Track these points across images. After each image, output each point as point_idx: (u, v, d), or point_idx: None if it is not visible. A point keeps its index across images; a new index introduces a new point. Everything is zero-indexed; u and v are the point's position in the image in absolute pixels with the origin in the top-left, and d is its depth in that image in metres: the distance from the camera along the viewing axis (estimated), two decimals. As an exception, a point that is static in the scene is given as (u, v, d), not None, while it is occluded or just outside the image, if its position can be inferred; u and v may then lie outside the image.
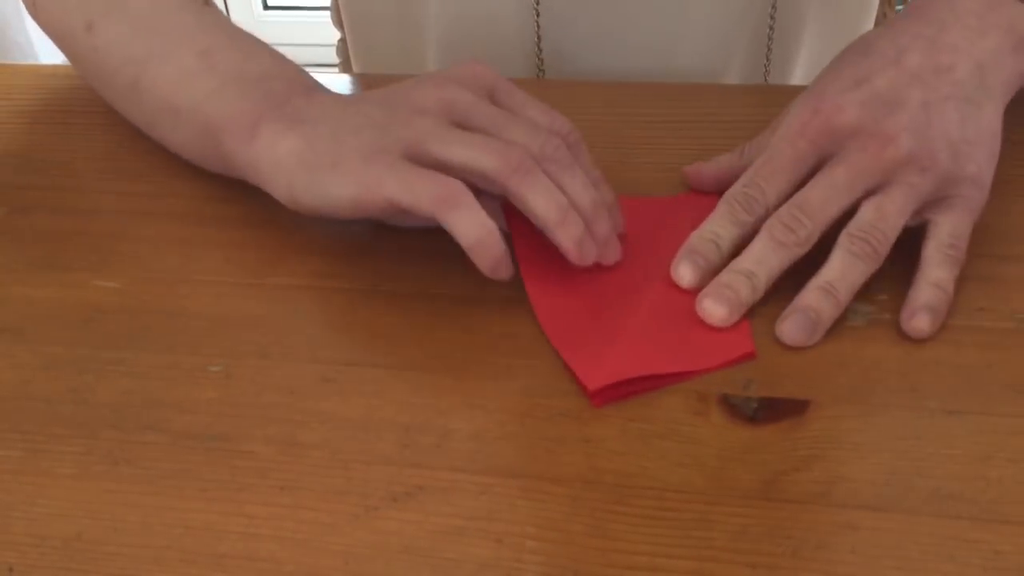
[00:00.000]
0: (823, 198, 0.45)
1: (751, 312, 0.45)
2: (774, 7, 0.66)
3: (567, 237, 0.44)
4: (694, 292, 0.46)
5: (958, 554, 0.36)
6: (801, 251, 0.45)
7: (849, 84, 0.47)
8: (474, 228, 0.43)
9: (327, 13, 0.89)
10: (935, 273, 0.45)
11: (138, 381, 0.44)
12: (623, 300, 0.46)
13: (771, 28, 0.67)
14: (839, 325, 0.45)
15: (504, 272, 0.44)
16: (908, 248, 0.48)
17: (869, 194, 0.46)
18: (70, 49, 0.59)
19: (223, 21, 0.54)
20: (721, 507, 0.38)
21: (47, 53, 1.52)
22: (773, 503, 0.38)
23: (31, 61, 1.45)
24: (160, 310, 0.48)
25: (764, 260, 0.45)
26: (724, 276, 0.45)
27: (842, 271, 0.45)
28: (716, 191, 0.51)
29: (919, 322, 0.44)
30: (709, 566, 0.36)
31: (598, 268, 0.47)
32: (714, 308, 0.45)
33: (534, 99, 0.49)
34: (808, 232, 0.45)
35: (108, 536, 0.38)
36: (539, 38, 0.67)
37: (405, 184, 0.43)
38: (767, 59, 0.69)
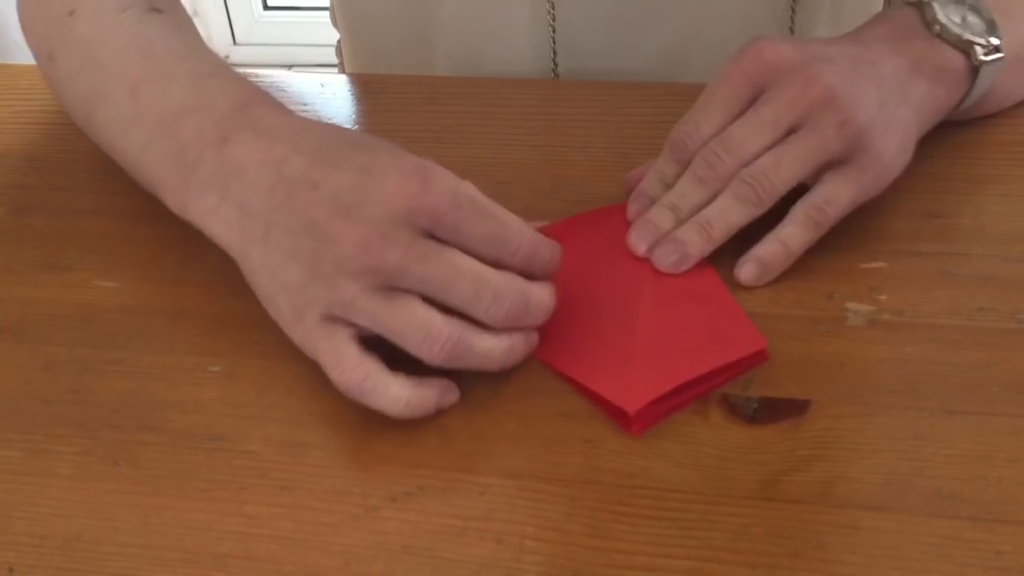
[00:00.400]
0: (745, 135, 0.47)
1: (751, 313, 0.46)
2: (792, 20, 0.66)
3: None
4: (681, 299, 0.46)
5: (958, 554, 0.36)
6: (720, 186, 0.47)
7: (785, 39, 0.49)
8: (390, 408, 0.41)
9: (327, 13, 0.89)
10: (788, 229, 0.47)
11: (138, 381, 0.44)
12: (613, 320, 0.45)
13: (791, 31, 0.67)
14: (839, 325, 0.45)
15: (446, 405, 0.42)
16: (908, 249, 0.48)
17: (792, 131, 0.47)
18: (44, 75, 0.58)
19: (158, 33, 0.51)
20: (721, 507, 0.38)
21: (47, 53, 1.52)
22: (773, 503, 0.38)
23: (31, 61, 1.45)
24: (160, 310, 0.48)
25: (686, 194, 0.48)
26: (651, 211, 0.48)
27: (722, 211, 0.47)
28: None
29: (744, 272, 0.47)
30: (709, 566, 0.36)
31: (580, 294, 0.46)
32: (636, 242, 0.48)
33: (482, 219, 0.41)
34: (727, 168, 0.46)
35: (108, 536, 0.38)
36: (555, 53, 0.67)
37: (326, 359, 0.41)
38: None
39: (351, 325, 0.41)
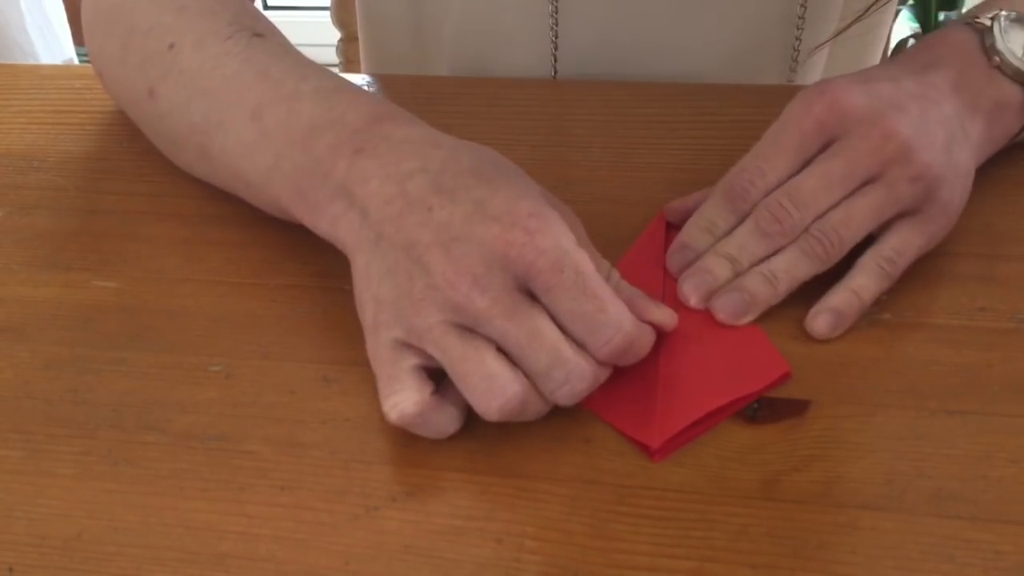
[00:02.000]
0: (816, 188, 0.45)
1: (766, 324, 0.46)
2: (802, 19, 0.66)
3: None
4: (703, 327, 0.45)
5: (958, 554, 0.36)
6: (784, 241, 0.45)
7: (853, 82, 0.47)
8: (431, 436, 0.41)
9: (327, 13, 0.90)
10: (859, 279, 0.45)
11: (138, 381, 0.44)
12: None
13: (798, 38, 0.67)
14: (839, 325, 0.45)
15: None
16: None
17: (858, 188, 0.45)
18: (137, 116, 0.57)
19: (269, 56, 0.50)
20: (721, 507, 0.38)
21: (47, 53, 1.52)
22: (773, 503, 0.38)
23: (31, 61, 1.45)
24: (160, 310, 0.48)
25: (747, 246, 0.45)
26: (706, 259, 0.46)
27: (787, 264, 0.45)
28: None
29: (819, 323, 0.45)
30: (709, 566, 0.36)
31: None
32: (689, 292, 0.45)
33: (580, 295, 0.39)
34: (794, 223, 0.45)
35: (108, 536, 0.38)
36: (555, 60, 0.67)
37: (383, 385, 0.40)
38: (792, 72, 0.68)
39: (420, 354, 0.40)
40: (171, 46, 0.51)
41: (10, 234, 0.53)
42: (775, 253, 0.45)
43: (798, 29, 0.66)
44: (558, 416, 0.41)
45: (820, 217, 0.45)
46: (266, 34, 0.52)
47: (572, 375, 0.39)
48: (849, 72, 0.49)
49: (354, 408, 0.43)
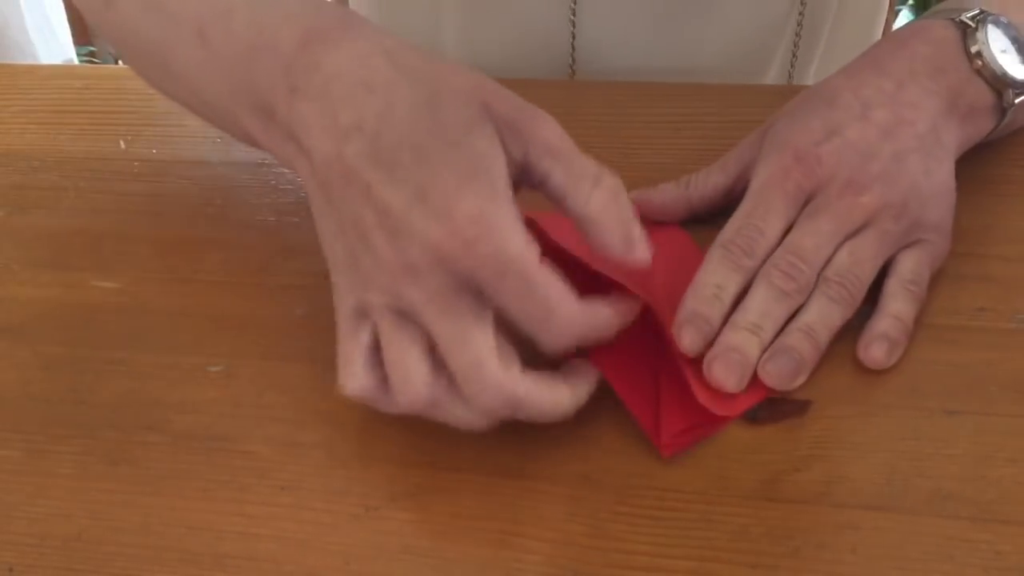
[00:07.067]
0: (815, 245, 0.45)
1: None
2: (802, 10, 0.66)
3: None
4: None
5: (958, 554, 0.36)
6: (801, 298, 0.44)
7: (820, 136, 0.47)
8: (392, 410, 0.40)
9: (327, 13, 0.89)
10: (894, 305, 0.45)
11: (138, 381, 0.44)
12: (661, 341, 0.44)
13: (799, 24, 0.67)
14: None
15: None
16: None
17: (849, 238, 0.46)
18: (96, 25, 0.53)
19: None
20: (721, 507, 0.38)
21: (47, 53, 1.52)
22: (773, 503, 0.38)
23: (31, 61, 1.45)
24: (160, 310, 0.48)
25: (769, 311, 0.44)
26: (731, 336, 0.43)
27: (820, 314, 0.44)
28: (662, 219, 0.51)
29: (875, 350, 0.44)
30: (709, 566, 0.36)
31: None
32: (725, 376, 0.42)
33: (527, 296, 0.37)
34: (807, 278, 0.44)
35: (108, 536, 0.38)
36: (573, 48, 0.67)
37: (340, 359, 0.40)
38: (793, 59, 0.69)
39: (374, 327, 0.40)
40: None
41: (10, 234, 0.53)
42: (797, 311, 0.44)
43: (801, 4, 0.66)
44: (558, 416, 0.41)
45: (826, 267, 0.45)
46: None
47: (484, 393, 0.38)
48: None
49: (354, 408, 0.43)
